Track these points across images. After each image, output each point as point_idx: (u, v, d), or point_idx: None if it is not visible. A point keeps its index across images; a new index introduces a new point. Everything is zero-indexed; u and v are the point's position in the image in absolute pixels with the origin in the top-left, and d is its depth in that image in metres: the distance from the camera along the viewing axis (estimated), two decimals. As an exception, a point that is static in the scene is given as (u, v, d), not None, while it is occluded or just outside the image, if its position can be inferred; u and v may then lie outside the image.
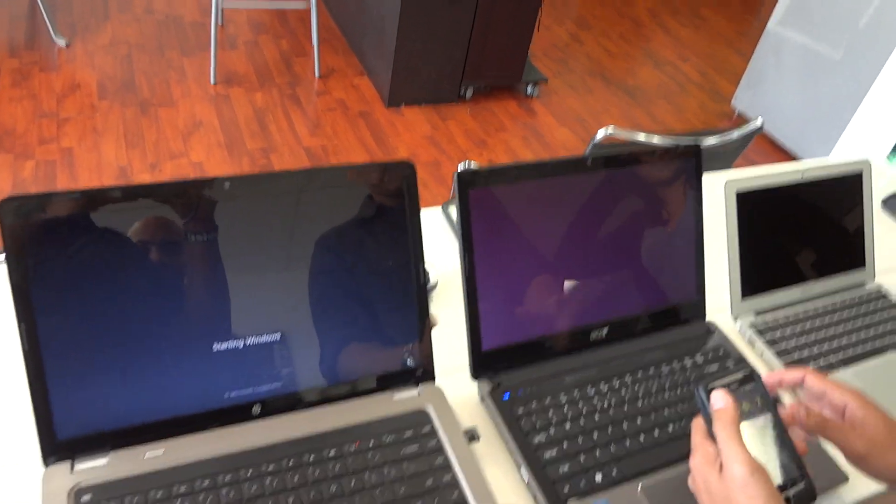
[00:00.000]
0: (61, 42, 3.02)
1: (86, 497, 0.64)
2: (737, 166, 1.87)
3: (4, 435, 0.73)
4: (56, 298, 0.64)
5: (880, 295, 1.13)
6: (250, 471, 0.68)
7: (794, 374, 0.74)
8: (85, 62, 2.96)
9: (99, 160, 2.48)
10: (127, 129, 2.65)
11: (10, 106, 2.65)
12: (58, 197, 0.63)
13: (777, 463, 0.64)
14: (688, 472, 0.67)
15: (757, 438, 0.64)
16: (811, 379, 0.73)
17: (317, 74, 3.19)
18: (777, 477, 0.63)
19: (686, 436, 0.80)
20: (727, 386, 0.66)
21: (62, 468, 0.66)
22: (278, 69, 3.19)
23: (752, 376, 0.67)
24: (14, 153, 2.44)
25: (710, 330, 0.96)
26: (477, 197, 0.79)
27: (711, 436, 0.65)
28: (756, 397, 0.66)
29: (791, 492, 0.63)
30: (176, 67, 3.05)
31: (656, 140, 1.49)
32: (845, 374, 0.97)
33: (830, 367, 0.98)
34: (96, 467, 0.66)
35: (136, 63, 3.02)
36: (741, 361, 0.92)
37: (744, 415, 0.65)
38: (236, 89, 2.99)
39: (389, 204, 0.75)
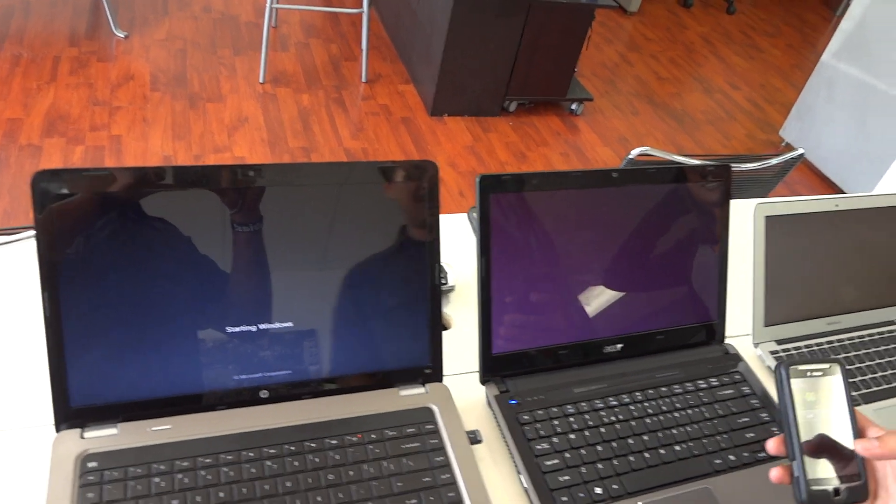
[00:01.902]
0: (120, 34, 3.12)
1: (92, 463, 0.66)
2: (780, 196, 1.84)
3: (21, 400, 0.75)
4: (80, 271, 0.66)
5: (912, 334, 1.10)
6: (252, 452, 0.69)
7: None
8: (140, 54, 3.05)
9: (146, 149, 2.55)
10: (175, 121, 2.72)
11: (67, 92, 2.74)
12: (88, 173, 0.65)
13: (844, 455, 0.64)
14: (689, 493, 0.65)
15: (831, 427, 0.64)
16: None
17: (363, 79, 3.23)
18: (841, 469, 0.63)
19: (693, 457, 0.80)
20: (809, 371, 0.66)
21: (73, 434, 0.68)
22: (326, 72, 3.24)
23: (835, 369, 0.66)
24: (67, 137, 2.53)
25: (728, 353, 0.95)
26: (498, 202, 0.80)
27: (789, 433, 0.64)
28: (833, 390, 0.66)
29: (847, 485, 0.63)
30: (227, 65, 3.12)
31: (691, 161, 1.47)
32: (865, 411, 0.95)
33: (827, 361, 0.96)
34: (105, 436, 0.68)
35: (190, 58, 3.10)
36: (757, 387, 0.91)
37: (819, 403, 0.65)
38: (283, 89, 3.05)
39: (410, 202, 0.76)
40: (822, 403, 0.65)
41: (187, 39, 3.23)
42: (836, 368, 0.66)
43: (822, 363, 0.66)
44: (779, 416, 0.70)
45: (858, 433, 0.64)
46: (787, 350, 1.01)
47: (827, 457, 0.64)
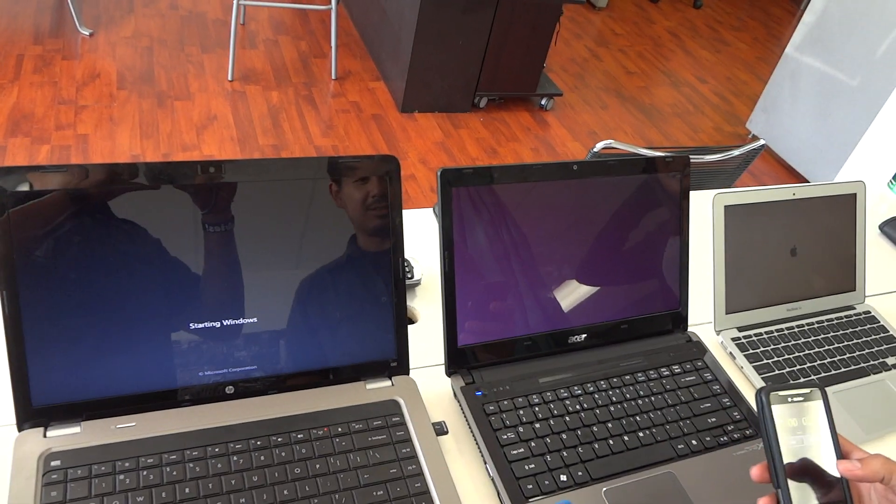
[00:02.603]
0: (85, 32, 3.07)
1: (55, 462, 0.65)
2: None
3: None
4: (39, 269, 0.66)
5: (869, 318, 1.13)
6: (217, 448, 0.69)
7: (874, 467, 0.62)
8: (107, 52, 3.01)
9: (113, 148, 2.52)
10: (143, 120, 2.69)
11: (31, 91, 2.70)
12: (45, 170, 0.65)
13: (829, 481, 0.62)
14: (653, 478, 0.65)
15: (815, 453, 0.63)
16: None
17: (333, 76, 3.22)
18: (825, 495, 0.62)
19: (657, 443, 0.82)
20: (790, 396, 0.64)
21: (35, 433, 0.67)
22: (295, 69, 3.23)
23: (816, 394, 0.65)
24: (31, 137, 2.49)
25: (691, 341, 0.97)
26: (459, 195, 0.81)
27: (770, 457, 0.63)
28: (816, 415, 0.64)
29: None
30: (195, 62, 3.09)
31: (652, 153, 1.49)
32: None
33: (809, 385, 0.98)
34: (68, 435, 0.68)
35: (157, 56, 3.07)
36: (720, 373, 0.93)
37: (801, 429, 0.63)
38: (253, 87, 3.03)
39: (373, 197, 0.77)
40: (805, 429, 0.63)
41: (154, 37, 3.19)
42: (817, 393, 0.64)
43: (803, 388, 0.64)
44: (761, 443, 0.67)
45: (842, 457, 0.63)
46: (749, 336, 1.03)
47: (812, 483, 0.62)
